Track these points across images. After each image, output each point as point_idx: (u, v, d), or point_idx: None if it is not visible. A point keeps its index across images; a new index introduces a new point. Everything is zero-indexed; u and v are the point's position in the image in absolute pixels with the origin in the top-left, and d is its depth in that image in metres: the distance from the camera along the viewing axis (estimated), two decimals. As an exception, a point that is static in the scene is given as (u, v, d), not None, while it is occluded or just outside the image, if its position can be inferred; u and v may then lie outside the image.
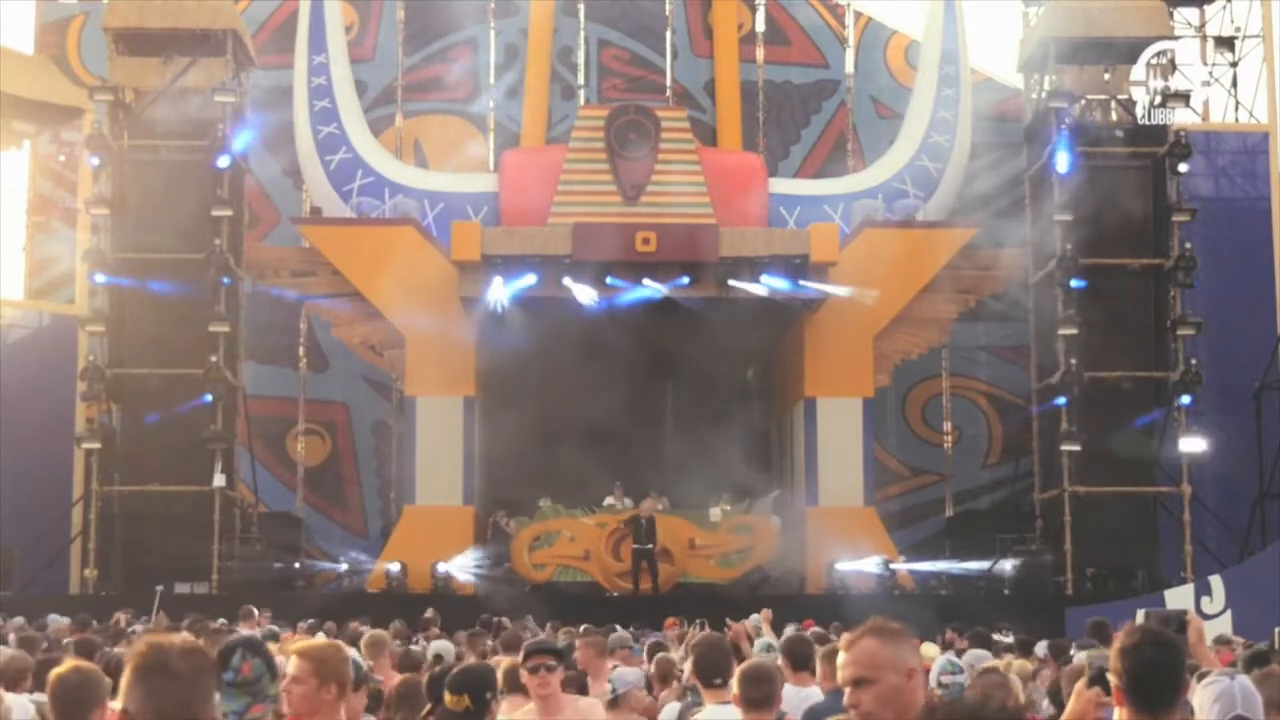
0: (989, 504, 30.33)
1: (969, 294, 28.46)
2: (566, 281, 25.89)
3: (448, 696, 5.92)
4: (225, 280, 26.57)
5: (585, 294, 25.84)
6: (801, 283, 26.07)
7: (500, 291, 25.82)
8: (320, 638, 15.29)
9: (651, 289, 25.99)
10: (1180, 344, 27.17)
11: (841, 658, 4.33)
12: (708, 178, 27.70)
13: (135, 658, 3.31)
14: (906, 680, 4.19)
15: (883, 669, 4.21)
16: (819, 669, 8.61)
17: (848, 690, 4.24)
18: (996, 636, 16.04)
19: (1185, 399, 26.86)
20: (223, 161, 26.53)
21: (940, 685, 8.06)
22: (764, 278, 25.80)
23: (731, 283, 25.96)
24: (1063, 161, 27.36)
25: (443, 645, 12.82)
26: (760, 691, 6.60)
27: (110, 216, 26.73)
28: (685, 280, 26.07)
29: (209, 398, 26.14)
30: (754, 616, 14.57)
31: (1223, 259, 28.79)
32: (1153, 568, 26.76)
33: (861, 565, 25.99)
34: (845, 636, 4.40)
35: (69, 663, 5.61)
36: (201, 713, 3.17)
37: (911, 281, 27.43)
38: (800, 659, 8.86)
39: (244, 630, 14.99)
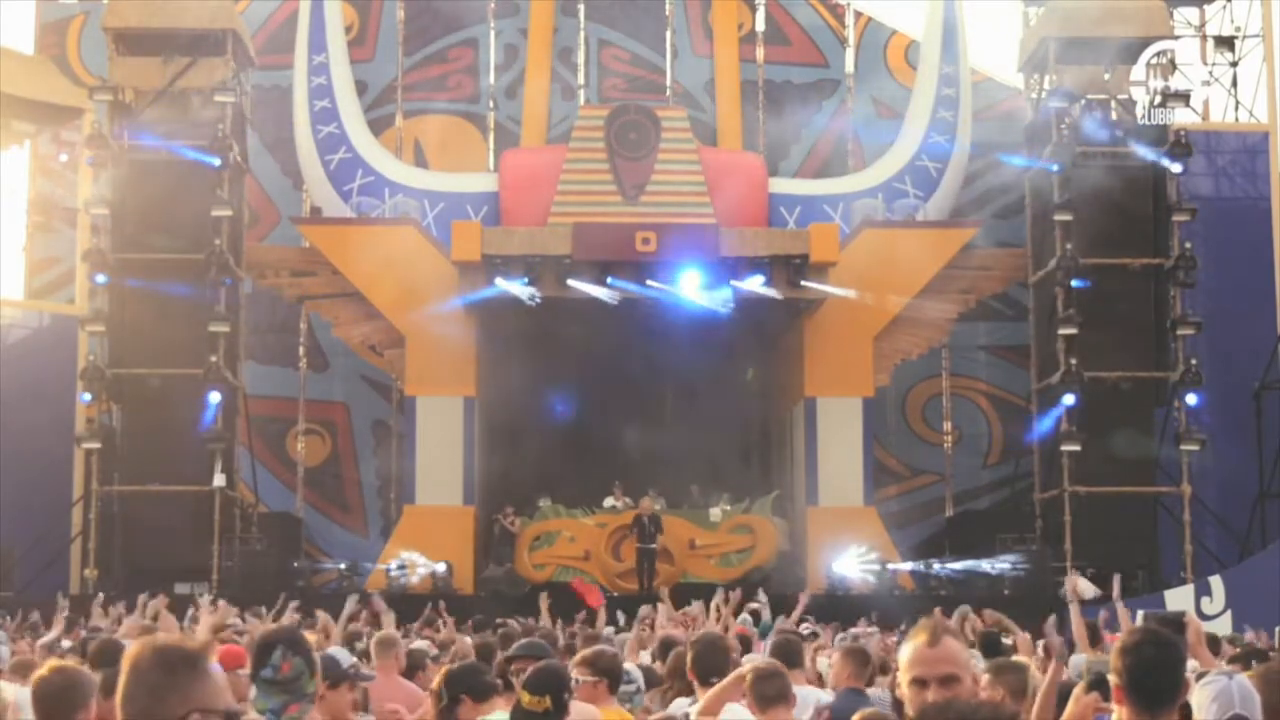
0: (989, 504, 30.34)
1: (969, 294, 28.48)
2: (573, 282, 25.89)
3: (526, 697, 5.88)
4: (225, 280, 26.58)
5: (601, 293, 25.80)
6: (803, 283, 26.12)
7: (522, 289, 25.80)
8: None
9: (654, 289, 25.99)
10: (1180, 344, 27.18)
11: (924, 654, 4.28)
12: (708, 177, 27.71)
13: (124, 657, 3.32)
14: (973, 682, 4.29)
15: (964, 668, 4.28)
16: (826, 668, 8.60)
17: (934, 687, 4.20)
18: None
19: (1192, 399, 26.90)
20: (214, 160, 26.57)
21: None
22: (745, 279, 25.86)
23: (733, 283, 26.00)
24: (1061, 162, 27.41)
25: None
26: (774, 688, 6.64)
27: (110, 216, 26.73)
28: (686, 280, 26.04)
29: (218, 398, 26.19)
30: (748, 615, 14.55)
31: (1223, 259, 28.80)
32: (1153, 568, 26.75)
33: (854, 567, 25.96)
34: (923, 635, 4.36)
35: (51, 663, 5.57)
36: (162, 709, 3.12)
37: (911, 281, 27.45)
38: (791, 657, 8.86)
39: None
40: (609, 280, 25.89)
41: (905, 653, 4.38)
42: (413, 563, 25.91)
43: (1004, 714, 3.31)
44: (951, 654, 4.25)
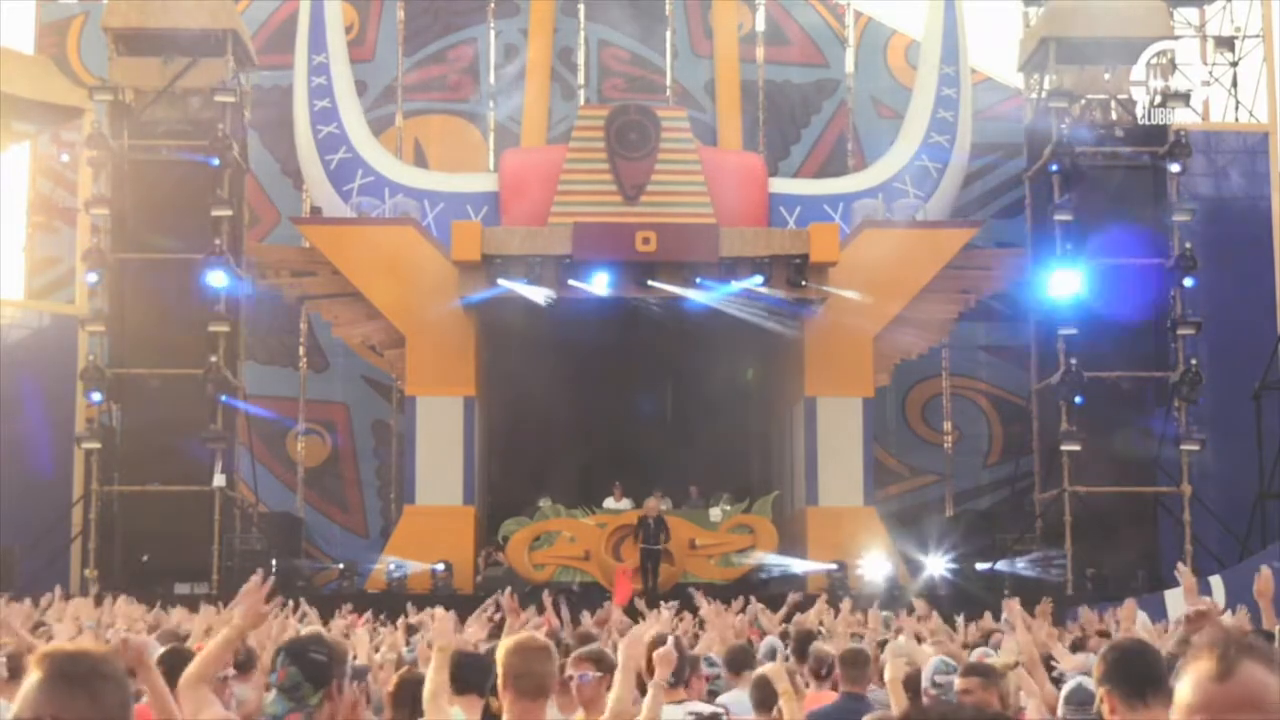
0: (989, 504, 30.33)
1: (969, 294, 28.47)
2: (573, 282, 25.88)
3: (496, 703, 5.87)
4: (225, 280, 26.59)
5: (601, 293, 25.78)
6: (803, 283, 26.13)
7: (533, 290, 25.81)
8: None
9: (654, 289, 25.99)
10: (1180, 344, 27.18)
11: (1212, 693, 2.89)
12: (708, 178, 27.70)
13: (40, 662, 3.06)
14: None
15: (1273, 708, 2.94)
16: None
17: None
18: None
19: (1199, 399, 26.91)
20: (214, 160, 26.57)
21: (934, 685, 7.94)
22: (745, 279, 25.86)
23: (733, 283, 26.01)
24: (1061, 162, 27.41)
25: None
26: (767, 694, 6.68)
27: (110, 216, 26.75)
28: (686, 280, 26.05)
29: (226, 397, 26.21)
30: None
31: (1223, 259, 28.79)
32: (1153, 568, 26.75)
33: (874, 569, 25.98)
34: (1207, 662, 2.94)
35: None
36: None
37: (911, 281, 27.44)
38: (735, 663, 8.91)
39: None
40: (609, 280, 25.90)
41: (1184, 686, 2.98)
42: (393, 565, 26.00)
43: (986, 716, 3.27)
44: (1254, 691, 2.83)
